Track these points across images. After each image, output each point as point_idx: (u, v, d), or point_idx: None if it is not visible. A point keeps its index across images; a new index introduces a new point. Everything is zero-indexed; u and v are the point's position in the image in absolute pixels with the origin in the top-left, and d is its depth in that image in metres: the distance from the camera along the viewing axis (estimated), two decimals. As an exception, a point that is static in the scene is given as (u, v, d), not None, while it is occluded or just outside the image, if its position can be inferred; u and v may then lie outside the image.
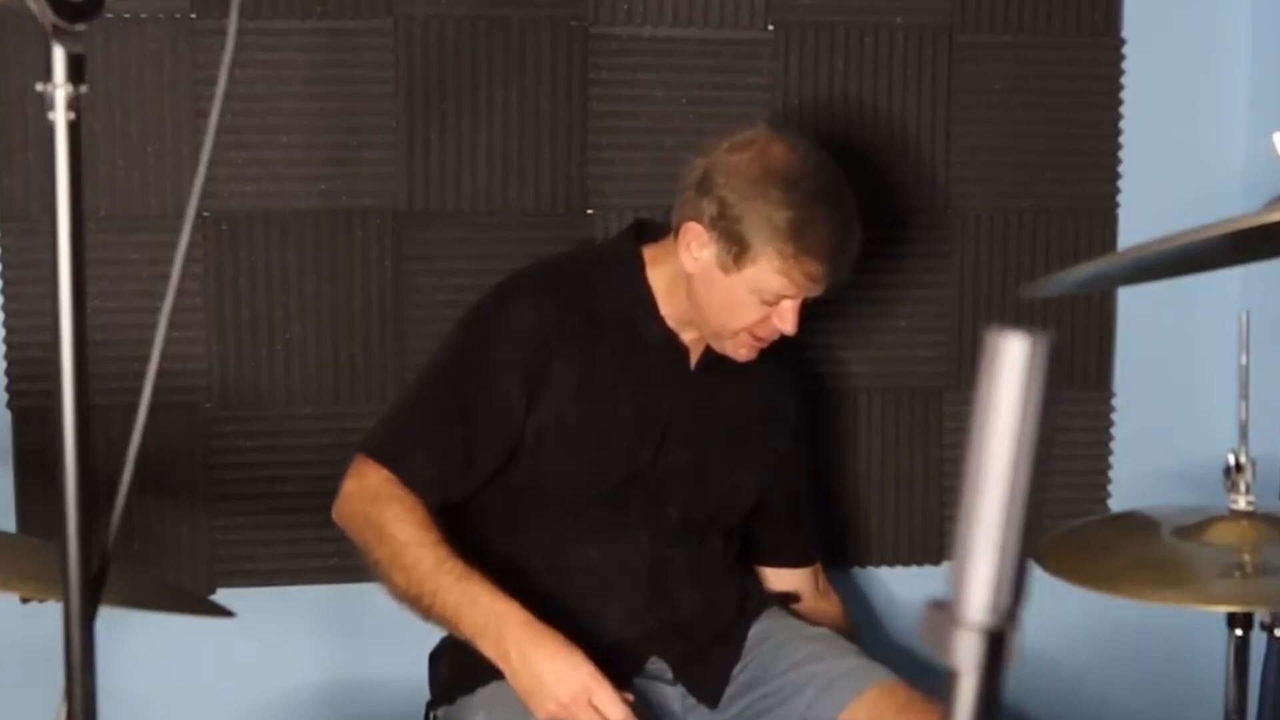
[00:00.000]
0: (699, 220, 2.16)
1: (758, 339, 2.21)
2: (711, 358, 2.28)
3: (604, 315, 2.24)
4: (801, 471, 2.49)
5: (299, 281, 2.53)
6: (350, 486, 2.16)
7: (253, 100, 2.48)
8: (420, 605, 2.07)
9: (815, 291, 2.17)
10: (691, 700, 2.25)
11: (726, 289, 2.16)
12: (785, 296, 2.15)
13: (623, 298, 2.25)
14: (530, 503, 2.22)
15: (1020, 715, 2.83)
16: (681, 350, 2.28)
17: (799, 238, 2.10)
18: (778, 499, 2.41)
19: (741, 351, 2.23)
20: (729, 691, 2.25)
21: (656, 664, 2.25)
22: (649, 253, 2.27)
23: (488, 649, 2.02)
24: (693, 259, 2.17)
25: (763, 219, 2.11)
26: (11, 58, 2.42)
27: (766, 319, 2.18)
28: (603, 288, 2.25)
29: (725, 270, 2.15)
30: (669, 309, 2.25)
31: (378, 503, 2.12)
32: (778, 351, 2.32)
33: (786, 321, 2.17)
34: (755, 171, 2.13)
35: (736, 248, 2.13)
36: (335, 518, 2.18)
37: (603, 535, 2.23)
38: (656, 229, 2.29)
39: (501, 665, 2.01)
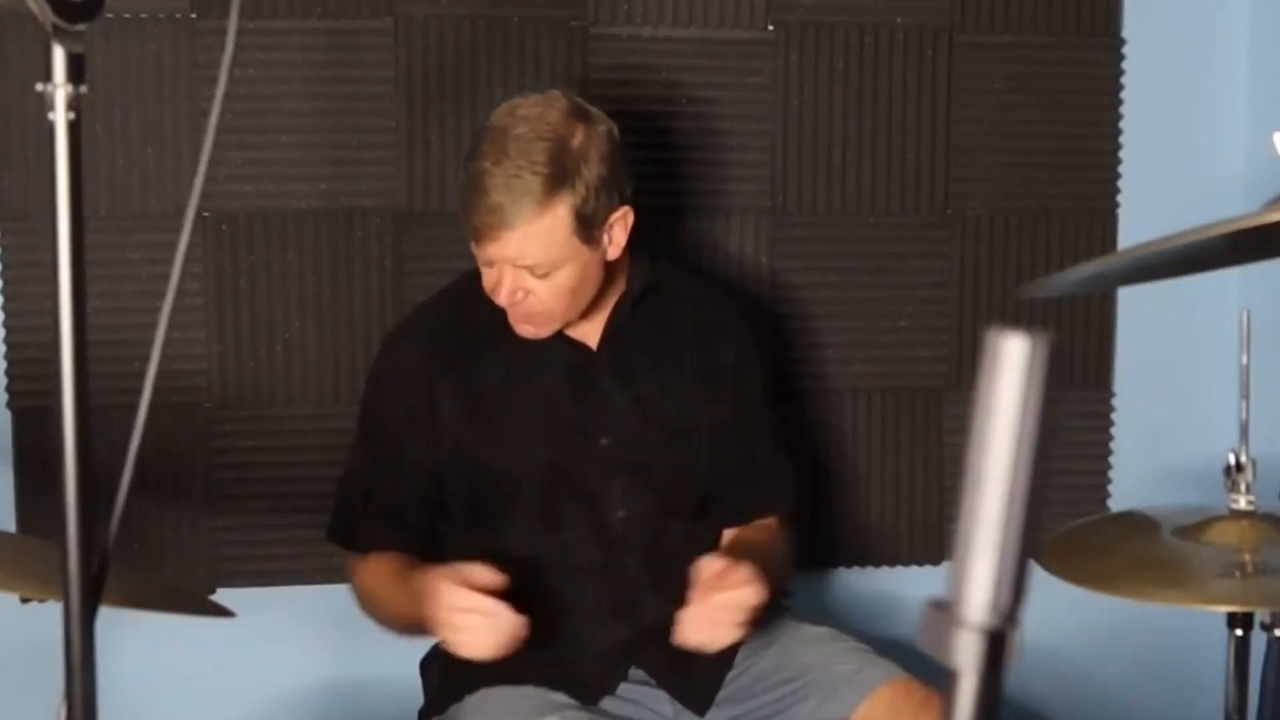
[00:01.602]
0: None
1: (512, 311, 2.14)
2: (614, 334, 2.23)
3: (482, 331, 2.21)
4: (756, 420, 2.34)
5: (299, 281, 2.53)
6: (352, 582, 2.30)
7: (253, 100, 2.48)
8: (423, 630, 2.09)
9: (497, 252, 2.07)
10: (680, 705, 2.21)
11: None
12: (481, 255, 2.10)
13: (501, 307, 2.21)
14: (486, 529, 2.22)
15: (1021, 715, 2.83)
16: (572, 341, 2.22)
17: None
18: (732, 456, 2.29)
19: (517, 326, 2.16)
20: (726, 696, 2.22)
21: (641, 672, 2.22)
22: None
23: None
24: None
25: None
26: (11, 58, 2.42)
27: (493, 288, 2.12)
28: (481, 303, 2.19)
29: None
30: None
31: (359, 584, 2.27)
32: (711, 299, 2.34)
33: (489, 286, 2.11)
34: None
35: None
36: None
37: (554, 553, 2.19)
38: None
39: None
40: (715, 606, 2.01)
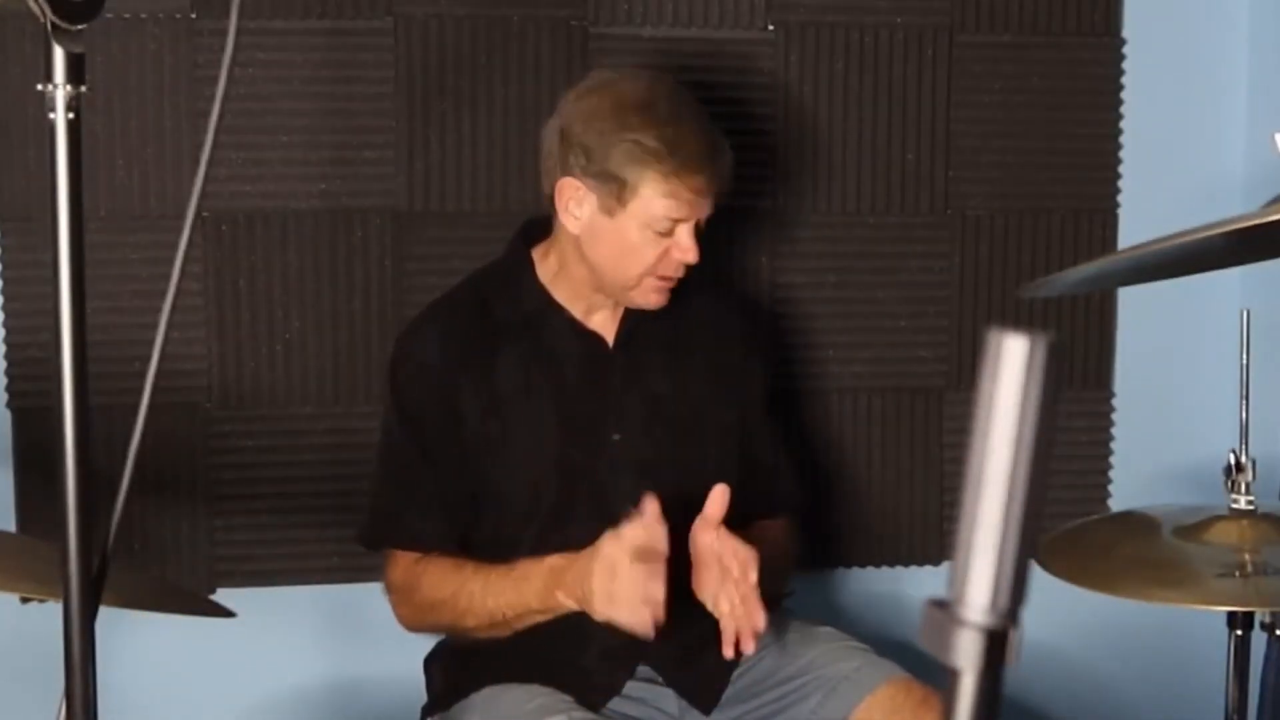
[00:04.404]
0: (571, 174, 2.13)
1: (663, 279, 2.16)
2: (630, 332, 2.24)
3: (501, 326, 2.22)
4: (760, 424, 2.36)
5: (299, 281, 2.53)
6: (392, 597, 2.25)
7: (253, 100, 2.48)
8: (509, 627, 2.12)
9: (703, 209, 2.14)
10: (687, 703, 2.22)
11: (617, 234, 2.13)
12: (677, 220, 2.12)
13: (518, 302, 2.22)
14: (497, 524, 2.21)
15: (1021, 716, 2.83)
16: (593, 337, 2.23)
17: (673, 154, 2.08)
18: (737, 458, 2.30)
19: (652, 298, 2.18)
20: (729, 695, 2.21)
21: (647, 669, 2.21)
22: (538, 251, 2.25)
23: (570, 605, 2.06)
24: (574, 218, 2.15)
25: (632, 148, 2.09)
26: (11, 58, 2.42)
27: (666, 254, 2.13)
28: (497, 299, 2.23)
29: (611, 214, 2.12)
30: (567, 295, 2.22)
31: (412, 594, 2.21)
32: (722, 302, 2.34)
33: (687, 249, 2.13)
34: (609, 109, 2.12)
35: (615, 185, 2.11)
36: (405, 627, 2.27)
37: (564, 549, 2.15)
38: (546, 226, 2.25)
39: (586, 609, 2.04)
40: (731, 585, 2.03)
